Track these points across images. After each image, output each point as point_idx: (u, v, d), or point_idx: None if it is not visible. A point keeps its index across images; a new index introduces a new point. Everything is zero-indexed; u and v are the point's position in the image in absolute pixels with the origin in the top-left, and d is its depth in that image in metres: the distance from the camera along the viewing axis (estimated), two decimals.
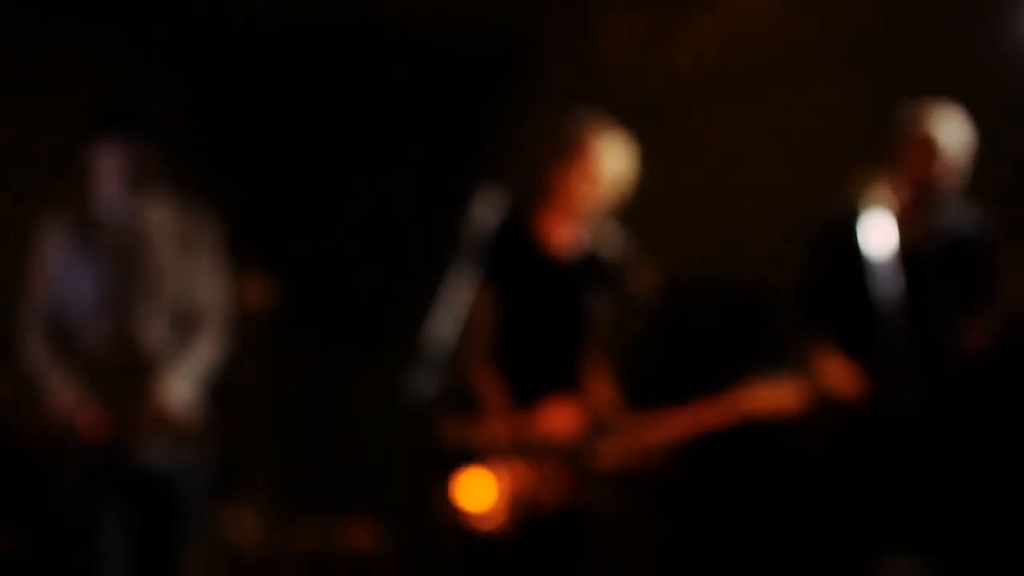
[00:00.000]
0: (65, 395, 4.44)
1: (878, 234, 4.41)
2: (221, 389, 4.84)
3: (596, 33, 6.28)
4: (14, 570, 5.34)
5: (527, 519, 4.19)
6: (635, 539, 5.97)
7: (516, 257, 4.19)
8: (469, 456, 4.16)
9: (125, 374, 4.51)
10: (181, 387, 4.52)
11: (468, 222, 4.09)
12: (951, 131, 4.67)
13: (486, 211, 4.11)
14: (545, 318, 4.29)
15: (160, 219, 4.63)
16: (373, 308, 6.11)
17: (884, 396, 4.45)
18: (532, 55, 6.21)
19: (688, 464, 4.43)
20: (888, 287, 4.32)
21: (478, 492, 4.17)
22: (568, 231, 4.31)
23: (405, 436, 4.67)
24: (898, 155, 4.70)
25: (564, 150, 4.18)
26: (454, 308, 3.95)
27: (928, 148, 4.65)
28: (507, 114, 5.21)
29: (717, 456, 5.71)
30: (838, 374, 4.63)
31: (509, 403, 4.21)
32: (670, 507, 5.73)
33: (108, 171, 4.52)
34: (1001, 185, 5.71)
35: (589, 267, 4.30)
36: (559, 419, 4.23)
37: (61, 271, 4.58)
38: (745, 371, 5.80)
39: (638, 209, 6.12)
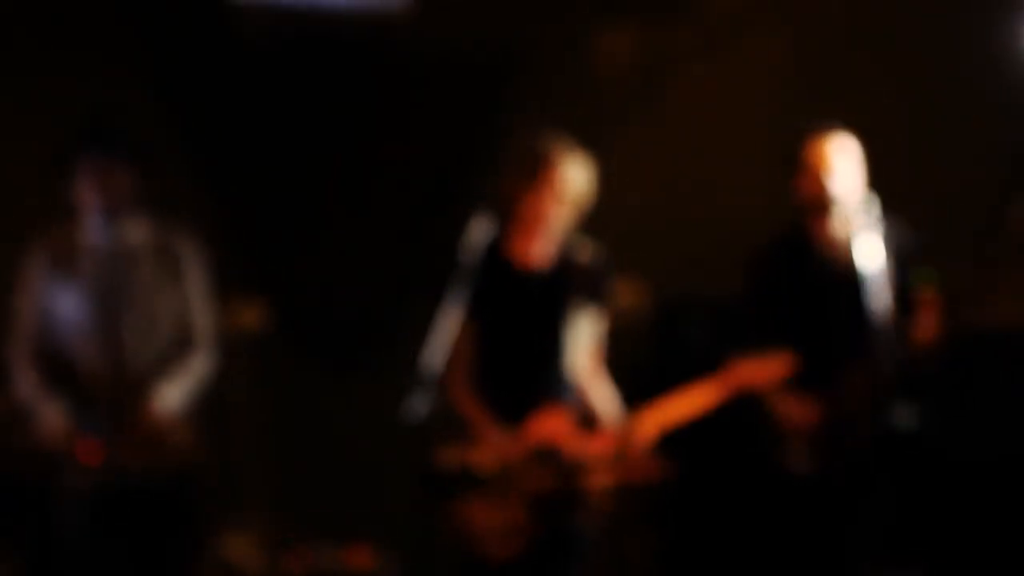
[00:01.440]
0: (57, 423, 4.47)
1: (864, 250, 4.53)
2: (217, 413, 4.85)
3: (589, 51, 6.30)
4: None
5: (525, 536, 4.22)
6: (634, 549, 5.99)
7: (492, 279, 4.26)
8: (463, 478, 4.17)
9: (117, 395, 4.54)
10: (171, 402, 4.56)
11: (463, 246, 4.15)
12: (843, 153, 4.75)
13: (478, 235, 4.17)
14: (523, 335, 4.38)
15: (142, 239, 4.67)
16: (369, 331, 6.11)
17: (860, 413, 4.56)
18: (528, 73, 6.23)
19: (685, 475, 4.42)
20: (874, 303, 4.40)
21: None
22: (541, 248, 4.42)
23: (403, 458, 4.67)
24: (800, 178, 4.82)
25: (532, 172, 4.31)
26: (444, 331, 3.98)
27: (823, 170, 4.74)
28: (503, 134, 5.20)
29: (712, 466, 5.75)
30: (792, 406, 4.75)
31: (494, 421, 4.26)
32: (668, 518, 5.74)
33: (86, 190, 4.56)
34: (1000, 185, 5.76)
35: (564, 277, 4.38)
36: (550, 425, 4.28)
37: (48, 299, 4.62)
38: None
39: (632, 221, 6.15)
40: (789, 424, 4.76)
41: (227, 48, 6.05)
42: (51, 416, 4.49)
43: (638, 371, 6.09)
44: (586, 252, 4.46)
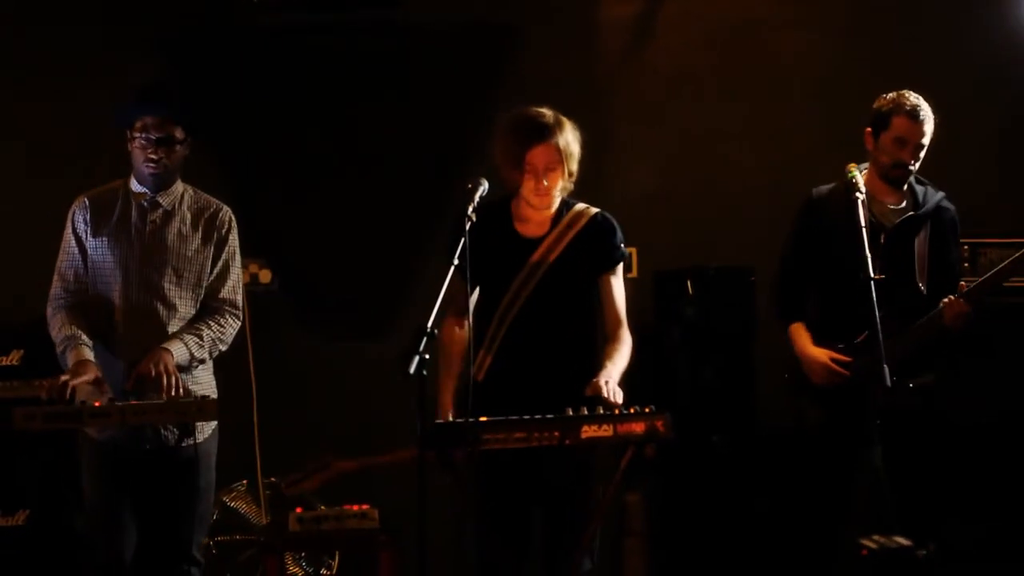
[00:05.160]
0: (80, 368, 4.55)
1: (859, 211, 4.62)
2: (222, 373, 4.94)
3: (591, 23, 6.38)
4: (32, 544, 5.45)
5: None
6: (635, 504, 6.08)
7: (495, 245, 4.29)
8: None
9: (147, 346, 4.64)
10: (184, 354, 4.66)
11: (463, 212, 4.19)
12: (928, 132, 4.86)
13: (476, 200, 4.21)
14: (524, 299, 4.42)
15: (186, 203, 4.77)
16: (374, 294, 6.18)
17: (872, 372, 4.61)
18: (529, 44, 6.29)
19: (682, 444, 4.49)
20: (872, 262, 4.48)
21: None
22: (540, 214, 4.47)
23: (403, 418, 4.74)
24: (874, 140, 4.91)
25: (524, 143, 4.32)
26: (443, 292, 4.04)
27: (899, 135, 4.84)
28: (505, 102, 5.27)
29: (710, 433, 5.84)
30: (814, 358, 4.82)
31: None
32: (671, 475, 5.82)
33: (140, 147, 4.66)
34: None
35: (563, 240, 4.43)
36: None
37: (91, 249, 4.73)
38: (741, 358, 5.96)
39: (637, 197, 6.22)
40: (811, 375, 4.86)
41: (232, 25, 6.13)
42: (75, 363, 4.56)
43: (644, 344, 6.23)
44: (587, 214, 4.51)
